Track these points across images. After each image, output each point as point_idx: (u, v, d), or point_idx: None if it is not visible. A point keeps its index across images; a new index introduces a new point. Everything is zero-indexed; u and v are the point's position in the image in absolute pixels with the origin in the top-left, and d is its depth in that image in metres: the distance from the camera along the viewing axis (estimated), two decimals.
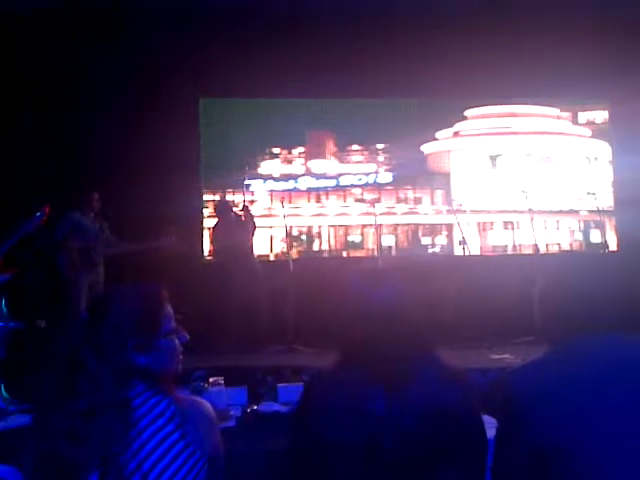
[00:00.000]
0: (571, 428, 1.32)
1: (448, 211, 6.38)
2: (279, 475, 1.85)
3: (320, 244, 6.54)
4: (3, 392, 3.52)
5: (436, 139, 6.59)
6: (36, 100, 5.49)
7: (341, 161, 6.55)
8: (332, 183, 6.52)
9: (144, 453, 1.30)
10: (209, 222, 5.96)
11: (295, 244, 6.35)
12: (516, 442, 1.38)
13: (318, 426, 1.47)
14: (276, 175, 6.44)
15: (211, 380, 2.46)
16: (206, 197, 6.24)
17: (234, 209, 5.70)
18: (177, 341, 1.44)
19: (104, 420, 1.29)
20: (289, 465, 1.55)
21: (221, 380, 2.46)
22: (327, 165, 6.54)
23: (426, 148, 6.57)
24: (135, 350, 1.37)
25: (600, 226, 6.47)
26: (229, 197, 6.25)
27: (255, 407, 2.49)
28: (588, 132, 6.86)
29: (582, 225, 6.78)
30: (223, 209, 5.61)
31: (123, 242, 4.97)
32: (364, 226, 6.50)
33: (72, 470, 1.28)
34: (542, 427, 1.33)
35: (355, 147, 6.57)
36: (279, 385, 2.71)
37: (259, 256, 6.03)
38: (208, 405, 1.44)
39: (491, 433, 1.53)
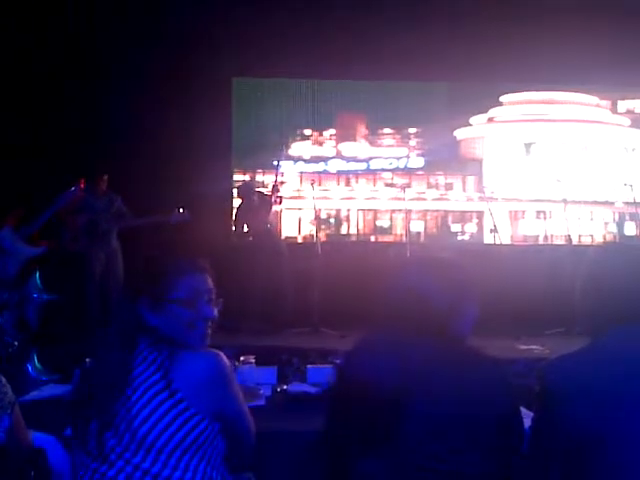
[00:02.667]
0: (607, 421, 1.30)
1: (480, 198, 6.29)
2: (309, 454, 1.86)
3: (348, 228, 6.52)
4: (36, 362, 3.61)
5: (470, 125, 6.48)
6: (67, 80, 5.53)
7: (372, 144, 6.50)
8: (362, 166, 6.48)
9: (135, 410, 1.35)
10: (239, 202, 5.97)
11: (323, 227, 6.34)
12: (551, 434, 1.37)
13: (347, 403, 1.47)
14: (306, 157, 6.41)
15: (242, 358, 2.48)
16: (236, 177, 6.25)
17: (260, 189, 5.69)
18: (189, 312, 1.45)
19: (108, 375, 1.38)
20: (322, 441, 1.55)
21: (252, 359, 2.48)
22: (358, 148, 6.49)
23: (459, 133, 6.47)
24: (147, 309, 1.45)
25: (635, 218, 6.29)
26: (259, 177, 6.25)
27: (285, 387, 2.51)
28: (627, 121, 6.67)
29: (617, 217, 6.63)
30: (246, 191, 5.59)
31: (134, 216, 5.01)
32: (393, 211, 6.45)
33: (85, 421, 1.40)
34: (577, 420, 1.32)
35: (387, 130, 6.50)
36: (308, 366, 2.73)
37: (287, 238, 6.03)
38: (217, 359, 1.43)
39: (525, 423, 1.51)
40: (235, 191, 6.01)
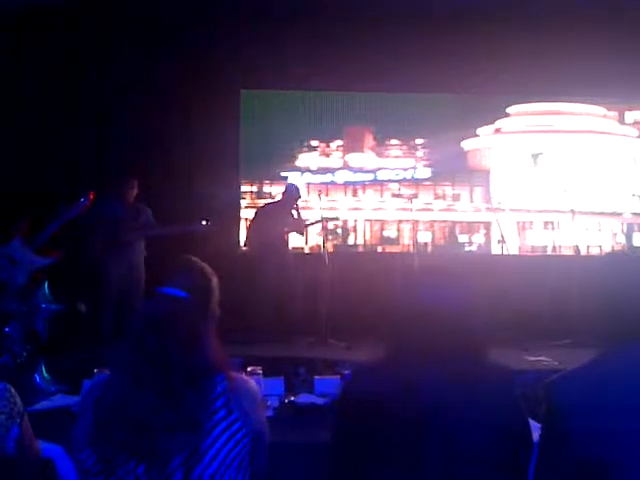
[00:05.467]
0: (615, 440, 1.28)
1: (487, 209, 6.28)
2: (317, 466, 1.84)
3: (355, 238, 6.52)
4: (44, 372, 3.61)
5: (477, 135, 6.49)
6: (78, 91, 5.59)
7: (379, 155, 6.51)
8: (369, 177, 6.49)
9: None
10: (246, 213, 5.98)
11: (331, 237, 6.34)
12: (559, 452, 1.34)
13: (359, 419, 1.46)
14: (313, 168, 6.43)
15: (249, 369, 2.47)
16: (244, 188, 6.28)
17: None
18: None
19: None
20: (330, 456, 1.55)
21: (259, 370, 2.48)
22: (365, 159, 6.51)
23: (466, 144, 6.48)
24: None
25: None
26: (267, 189, 6.27)
27: (292, 398, 2.50)
28: (635, 132, 6.66)
29: (625, 227, 6.60)
30: (291, 192, 5.42)
31: (158, 226, 5.04)
32: (400, 222, 6.45)
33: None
34: (586, 439, 1.29)
35: (394, 142, 6.52)
36: (315, 377, 2.71)
37: (294, 248, 6.04)
38: (254, 383, 1.53)
39: (534, 436, 1.50)
40: (246, 202, 5.96)
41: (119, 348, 1.48)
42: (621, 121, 6.67)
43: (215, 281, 1.53)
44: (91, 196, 4.00)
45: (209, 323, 1.49)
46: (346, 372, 2.31)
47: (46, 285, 3.86)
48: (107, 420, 1.39)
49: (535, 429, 1.53)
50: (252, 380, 1.55)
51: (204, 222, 4.90)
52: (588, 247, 6.38)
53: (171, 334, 1.41)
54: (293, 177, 6.31)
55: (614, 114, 6.65)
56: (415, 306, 1.50)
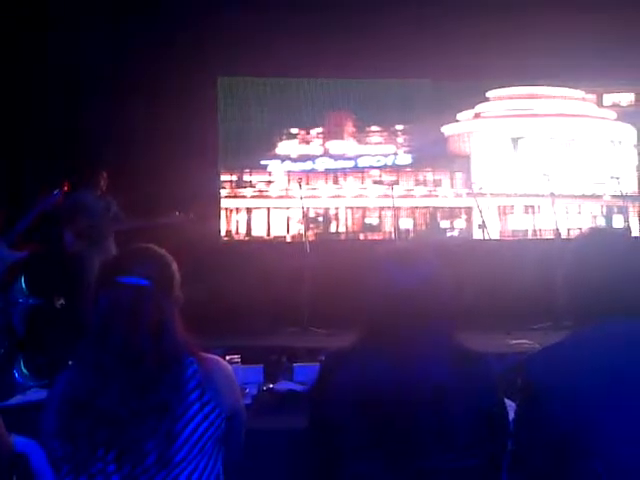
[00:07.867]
0: (589, 412, 1.28)
1: (468, 194, 6.29)
2: (294, 453, 1.84)
3: (337, 226, 6.51)
4: (22, 368, 3.57)
5: (457, 120, 6.49)
6: (52, 79, 5.49)
7: (359, 142, 6.49)
8: (350, 164, 6.46)
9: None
10: (226, 202, 5.93)
11: (312, 226, 6.31)
12: (534, 427, 1.35)
13: (336, 405, 1.45)
14: (294, 156, 6.39)
15: (227, 358, 2.46)
16: (224, 177, 6.22)
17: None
18: None
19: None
20: (306, 442, 1.54)
21: (237, 358, 2.48)
22: (345, 146, 6.48)
23: (446, 130, 6.47)
24: None
25: (623, 211, 6.34)
26: (246, 177, 6.22)
27: (271, 385, 2.50)
28: (613, 115, 6.70)
29: (605, 210, 6.66)
30: None
31: (132, 218, 4.97)
32: (382, 208, 6.44)
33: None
34: (560, 412, 1.30)
35: (374, 128, 6.49)
36: (295, 365, 2.71)
37: (276, 237, 6.02)
38: (228, 365, 1.53)
39: (512, 416, 1.50)
40: (226, 191, 5.93)
41: (82, 340, 1.45)
42: (599, 104, 6.70)
43: (175, 266, 1.52)
44: (65, 188, 3.94)
45: (173, 308, 1.47)
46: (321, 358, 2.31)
47: (22, 280, 3.81)
48: (73, 413, 1.38)
49: (511, 409, 1.53)
50: (224, 361, 1.55)
51: (177, 213, 4.86)
52: (569, 230, 6.42)
53: (137, 323, 1.40)
54: (273, 165, 6.27)
55: (592, 97, 6.68)
56: (380, 289, 1.49)
